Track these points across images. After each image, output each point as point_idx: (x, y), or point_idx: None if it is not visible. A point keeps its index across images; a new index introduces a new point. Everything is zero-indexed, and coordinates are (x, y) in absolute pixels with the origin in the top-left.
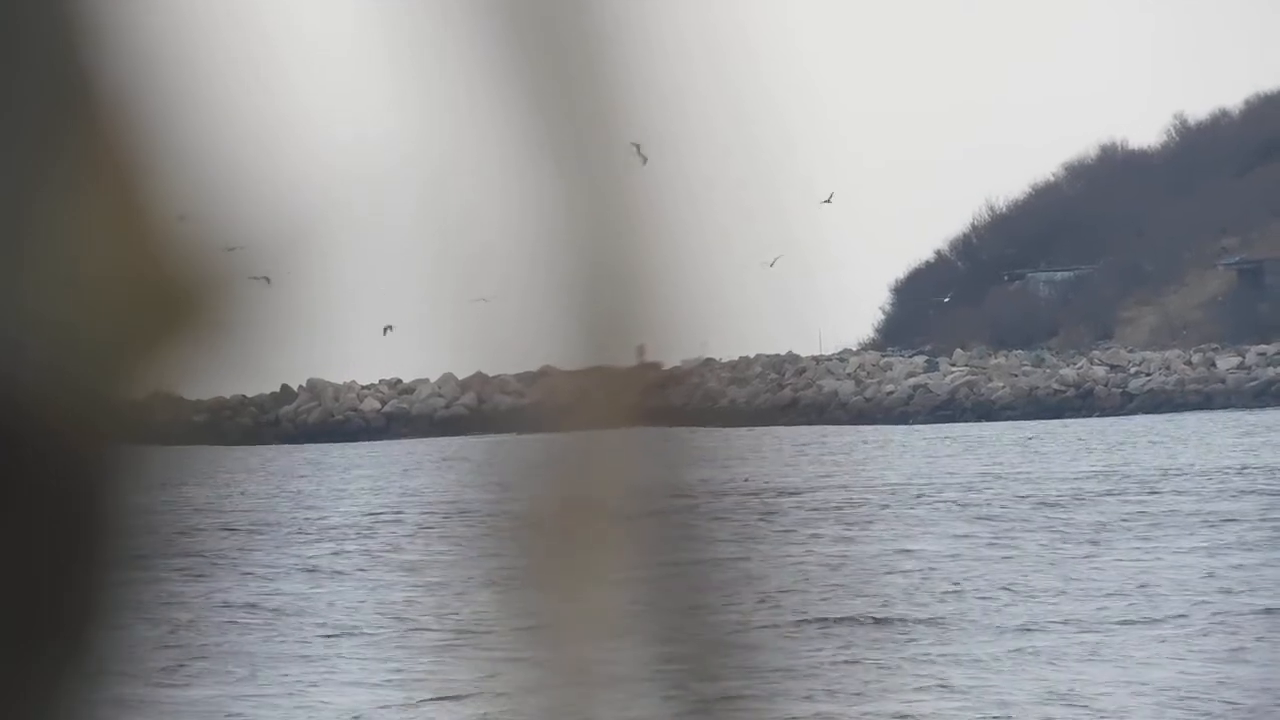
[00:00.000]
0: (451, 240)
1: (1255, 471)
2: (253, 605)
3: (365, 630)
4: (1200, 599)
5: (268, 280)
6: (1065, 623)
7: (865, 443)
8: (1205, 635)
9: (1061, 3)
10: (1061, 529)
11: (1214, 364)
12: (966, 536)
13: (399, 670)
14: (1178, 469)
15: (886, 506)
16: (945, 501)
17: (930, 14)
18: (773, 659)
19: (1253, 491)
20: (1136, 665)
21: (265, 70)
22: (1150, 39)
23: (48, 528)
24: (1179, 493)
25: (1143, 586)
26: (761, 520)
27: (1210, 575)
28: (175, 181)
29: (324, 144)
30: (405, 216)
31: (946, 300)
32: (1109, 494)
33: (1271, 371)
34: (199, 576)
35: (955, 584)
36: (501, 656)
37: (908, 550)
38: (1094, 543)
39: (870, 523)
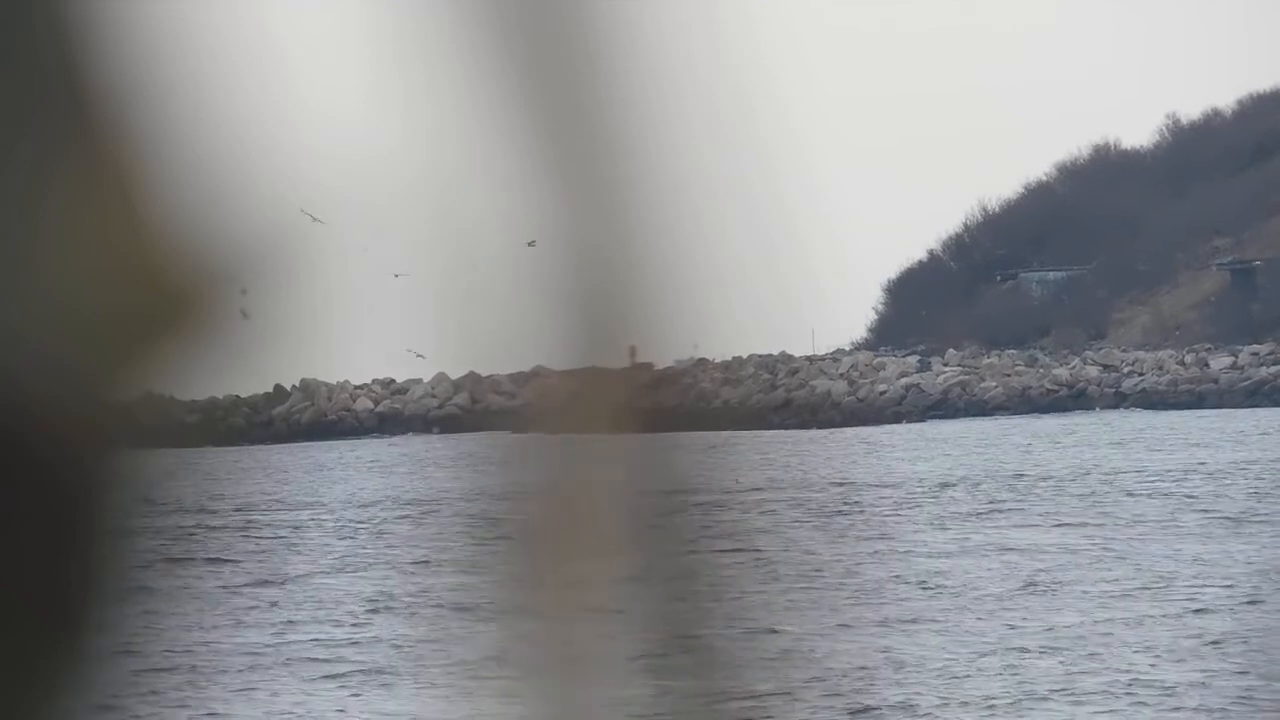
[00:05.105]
0: (445, 240)
1: None
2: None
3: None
4: None
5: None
6: None
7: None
8: None
9: (1054, 1)
10: None
11: (1207, 364)
12: None
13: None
14: None
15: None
16: None
17: (925, 13)
18: None
19: None
20: None
21: (261, 71)
22: (1143, 37)
23: (45, 527)
24: None
25: None
26: None
27: None
28: (171, 183)
29: (316, 145)
30: (399, 217)
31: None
32: None
33: (1265, 371)
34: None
35: None
36: (494, 655)
37: None
38: None
39: None
